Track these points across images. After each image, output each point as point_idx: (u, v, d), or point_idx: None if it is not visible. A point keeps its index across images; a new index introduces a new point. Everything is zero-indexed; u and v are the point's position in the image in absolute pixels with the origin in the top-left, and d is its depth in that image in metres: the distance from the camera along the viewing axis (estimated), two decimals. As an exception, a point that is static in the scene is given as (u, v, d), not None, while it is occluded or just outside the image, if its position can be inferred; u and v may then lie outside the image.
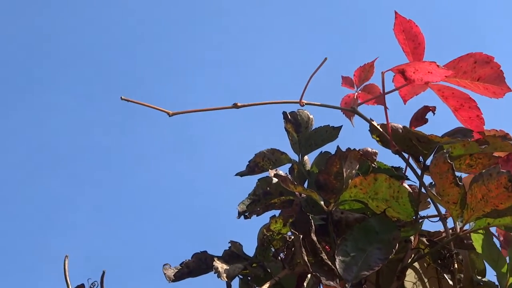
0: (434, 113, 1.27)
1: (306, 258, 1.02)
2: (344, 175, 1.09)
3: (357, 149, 1.17)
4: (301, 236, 1.03)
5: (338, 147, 1.10)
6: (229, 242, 1.18)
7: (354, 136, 1.37)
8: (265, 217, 1.26)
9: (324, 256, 1.04)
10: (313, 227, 1.06)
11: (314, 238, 1.05)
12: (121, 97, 1.16)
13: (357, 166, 1.13)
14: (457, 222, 1.12)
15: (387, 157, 1.28)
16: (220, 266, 1.10)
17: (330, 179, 1.09)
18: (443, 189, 1.09)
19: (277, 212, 1.26)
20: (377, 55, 1.39)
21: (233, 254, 1.15)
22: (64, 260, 1.24)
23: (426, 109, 1.28)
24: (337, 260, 1.02)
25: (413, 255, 1.20)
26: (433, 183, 1.18)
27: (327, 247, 1.16)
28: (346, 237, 1.05)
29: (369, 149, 1.30)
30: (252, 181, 1.28)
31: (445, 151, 1.11)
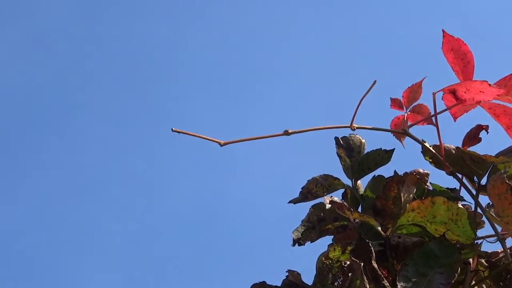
0: (487, 132, 1.26)
1: (368, 286, 1.00)
2: (402, 199, 1.08)
3: (410, 171, 1.15)
4: (362, 264, 1.01)
5: (395, 172, 1.09)
6: (286, 271, 1.16)
7: (406, 158, 1.36)
8: (319, 243, 1.25)
9: (386, 283, 1.02)
10: (374, 254, 1.04)
11: (375, 265, 1.03)
12: (172, 129, 1.16)
13: (414, 190, 1.12)
14: (517, 243, 1.10)
15: (439, 177, 1.27)
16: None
17: (387, 204, 1.08)
18: (503, 210, 1.07)
19: (330, 238, 1.25)
20: (424, 75, 1.38)
21: (292, 284, 1.14)
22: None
23: (479, 128, 1.26)
24: (398, 286, 1.01)
25: (473, 278, 1.18)
26: (491, 203, 1.16)
27: (384, 272, 1.14)
28: (407, 263, 1.04)
29: (421, 170, 1.28)
30: (302, 206, 1.27)
31: (502, 171, 1.09)
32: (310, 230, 1.22)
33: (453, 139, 1.27)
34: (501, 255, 1.23)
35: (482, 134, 1.28)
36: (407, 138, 1.30)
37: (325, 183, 1.25)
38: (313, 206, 1.24)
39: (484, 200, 1.21)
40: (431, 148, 1.23)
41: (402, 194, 1.08)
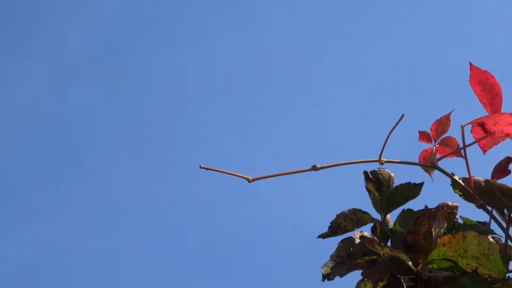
0: (517, 164, 1.25)
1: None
2: (433, 234, 1.07)
3: (439, 204, 1.15)
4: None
5: (426, 206, 1.08)
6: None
7: (435, 191, 1.35)
8: (348, 278, 1.24)
9: (419, 319, 1.01)
10: (405, 289, 1.04)
11: (407, 301, 1.02)
12: (200, 166, 1.16)
13: (445, 224, 1.11)
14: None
15: (469, 210, 1.26)
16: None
17: (419, 239, 1.07)
18: (534, 243, 1.07)
19: (359, 272, 1.25)
20: (452, 107, 1.38)
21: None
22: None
23: (508, 160, 1.26)
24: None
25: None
26: (522, 236, 1.15)
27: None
28: (439, 298, 1.03)
29: (450, 203, 1.27)
30: (328, 241, 1.27)
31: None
32: (339, 265, 1.22)
33: (482, 172, 1.26)
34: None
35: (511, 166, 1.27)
36: (436, 171, 1.29)
37: (354, 217, 1.24)
38: (342, 241, 1.23)
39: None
40: (460, 181, 1.23)
41: (433, 229, 1.07)
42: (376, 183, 1.26)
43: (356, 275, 1.23)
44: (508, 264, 1.12)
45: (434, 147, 1.39)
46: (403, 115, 1.23)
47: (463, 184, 1.22)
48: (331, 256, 1.24)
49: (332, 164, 1.20)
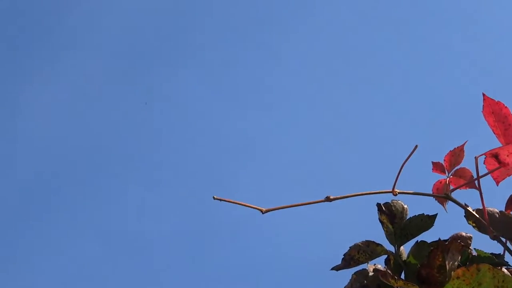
0: (531, 195, 1.25)
1: None
2: (447, 267, 1.06)
3: (452, 235, 1.14)
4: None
5: (439, 239, 1.08)
6: None
7: (449, 222, 1.34)
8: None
9: None
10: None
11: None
12: (213, 197, 1.17)
13: (459, 257, 1.10)
14: None
15: (482, 242, 1.25)
16: None
17: (432, 272, 1.07)
18: (549, 276, 1.06)
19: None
20: (466, 138, 1.38)
21: None
22: None
23: (522, 191, 1.25)
24: None
25: None
26: (537, 269, 1.14)
27: None
28: (453, 332, 1.02)
29: (464, 234, 1.27)
30: (342, 273, 1.26)
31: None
32: (353, 298, 1.21)
33: (496, 203, 1.26)
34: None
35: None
36: (450, 202, 1.29)
37: (368, 250, 1.24)
38: (355, 273, 1.22)
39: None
40: (474, 212, 1.22)
41: (447, 262, 1.07)
42: (390, 215, 1.25)
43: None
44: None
45: (448, 178, 1.38)
46: (416, 146, 1.23)
47: (477, 215, 1.22)
48: (344, 288, 1.23)
49: (345, 195, 1.20)
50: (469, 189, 1.35)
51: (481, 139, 1.32)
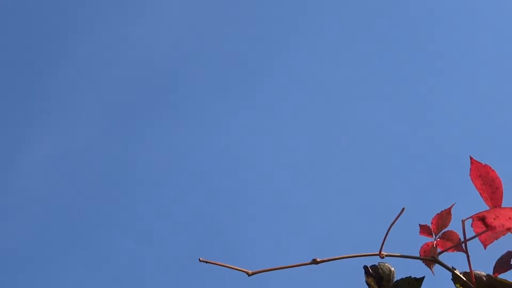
0: (518, 259, 1.24)
1: None
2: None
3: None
4: None
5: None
6: None
7: (436, 285, 1.34)
8: None
9: None
10: None
11: None
12: (199, 259, 1.16)
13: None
14: None
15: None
16: None
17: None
18: None
19: None
20: (453, 201, 1.38)
21: None
22: None
23: (510, 254, 1.25)
24: None
25: None
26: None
27: None
28: None
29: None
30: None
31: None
32: None
33: (484, 266, 1.25)
34: None
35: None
36: (437, 265, 1.29)
37: (355, 313, 1.23)
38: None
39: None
40: (461, 276, 1.22)
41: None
42: (376, 277, 1.25)
43: None
44: None
45: (435, 241, 1.38)
46: (403, 209, 1.23)
47: (464, 278, 1.21)
48: None
49: (332, 257, 1.20)
50: (457, 252, 1.35)
51: (470, 202, 1.33)
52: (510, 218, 1.18)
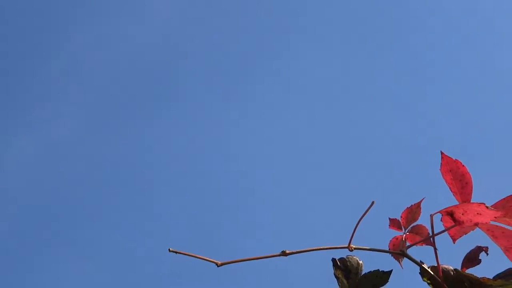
0: (487, 254, 1.25)
1: None
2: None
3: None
4: None
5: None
6: None
7: (404, 279, 1.35)
8: None
9: None
10: None
11: None
12: (169, 249, 1.16)
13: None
14: None
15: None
16: None
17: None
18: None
19: None
20: (423, 195, 1.38)
21: None
22: None
23: (478, 249, 1.26)
24: None
25: None
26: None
27: None
28: None
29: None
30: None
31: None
32: None
33: (455, 261, 1.26)
34: None
35: (482, 255, 1.27)
36: (406, 258, 1.29)
37: (323, 305, 1.24)
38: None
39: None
40: (429, 270, 1.23)
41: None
42: (345, 270, 1.25)
43: None
44: None
45: (404, 235, 1.39)
46: (373, 202, 1.23)
47: (431, 272, 1.22)
48: None
49: (301, 250, 1.20)
50: (426, 246, 1.36)
51: (441, 197, 1.33)
52: (478, 213, 1.18)
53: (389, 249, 1.38)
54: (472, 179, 1.27)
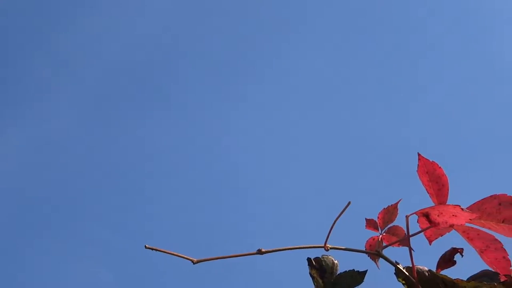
0: (462, 255, 1.26)
1: None
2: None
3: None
4: None
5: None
6: None
7: (380, 279, 1.35)
8: None
9: None
10: None
11: None
12: (145, 246, 1.16)
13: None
14: None
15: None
16: None
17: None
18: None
19: None
20: (400, 196, 1.39)
21: None
22: None
23: (454, 251, 1.26)
24: None
25: None
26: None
27: None
28: None
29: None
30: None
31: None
32: None
33: (431, 262, 1.27)
34: None
35: (457, 257, 1.28)
36: (381, 259, 1.30)
37: (298, 304, 1.24)
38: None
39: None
40: (404, 270, 1.23)
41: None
42: (320, 269, 1.26)
43: None
44: None
45: (381, 235, 1.39)
46: (349, 203, 1.24)
47: (406, 273, 1.23)
48: None
49: (277, 248, 1.20)
50: (402, 247, 1.36)
51: (417, 198, 1.34)
52: (453, 215, 1.19)
53: (365, 249, 1.39)
54: (448, 181, 1.27)
